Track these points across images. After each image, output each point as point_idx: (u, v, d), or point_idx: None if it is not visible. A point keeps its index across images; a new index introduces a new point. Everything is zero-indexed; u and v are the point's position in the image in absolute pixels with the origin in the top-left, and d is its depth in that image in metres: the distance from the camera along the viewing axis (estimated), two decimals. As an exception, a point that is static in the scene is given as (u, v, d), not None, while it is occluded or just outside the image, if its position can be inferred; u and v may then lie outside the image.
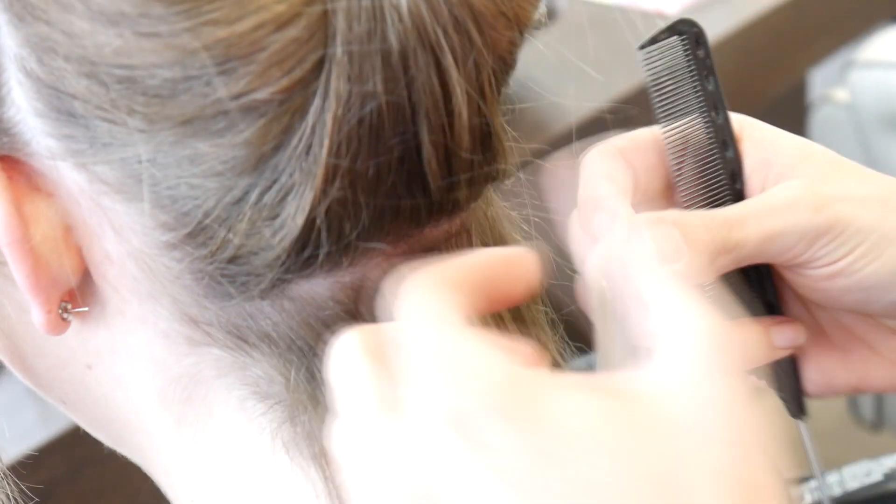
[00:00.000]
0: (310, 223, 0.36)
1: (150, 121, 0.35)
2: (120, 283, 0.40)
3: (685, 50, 0.46)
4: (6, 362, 0.46)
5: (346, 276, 0.39)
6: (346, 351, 0.33)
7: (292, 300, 0.39)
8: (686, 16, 0.46)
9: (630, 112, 1.04)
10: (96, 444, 0.66)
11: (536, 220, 0.48)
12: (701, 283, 0.41)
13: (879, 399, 1.88)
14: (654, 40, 0.47)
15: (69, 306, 0.40)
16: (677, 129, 0.48)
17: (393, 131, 0.36)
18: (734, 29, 1.33)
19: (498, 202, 0.45)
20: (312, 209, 0.36)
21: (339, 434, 0.33)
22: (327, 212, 0.36)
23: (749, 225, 0.43)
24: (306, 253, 0.37)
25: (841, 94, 1.67)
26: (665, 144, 0.48)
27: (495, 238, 0.43)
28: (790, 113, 2.20)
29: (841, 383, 0.49)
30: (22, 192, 0.38)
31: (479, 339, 0.32)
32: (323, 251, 0.37)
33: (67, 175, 0.38)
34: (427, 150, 0.36)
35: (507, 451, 0.30)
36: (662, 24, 0.47)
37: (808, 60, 1.57)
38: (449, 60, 0.35)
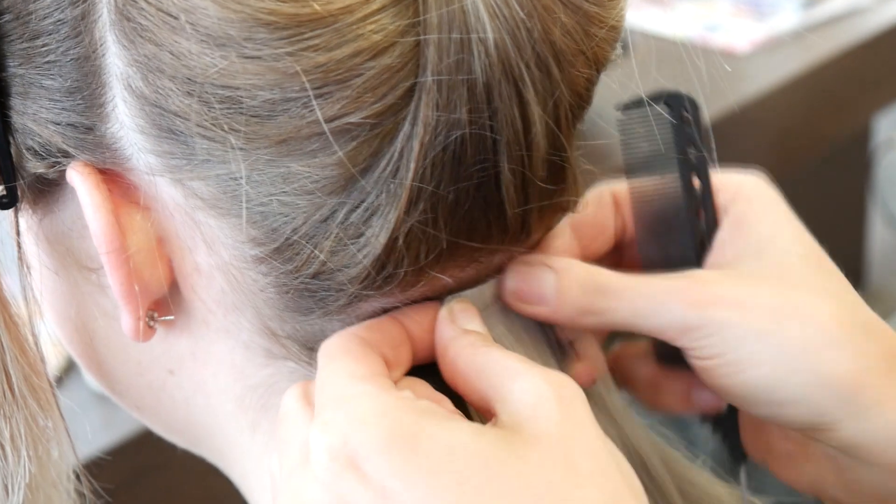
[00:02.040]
0: (392, 243, 0.37)
1: (248, 139, 0.37)
2: (207, 294, 0.41)
3: (670, 120, 0.46)
4: (84, 367, 0.47)
5: (415, 292, 0.40)
6: (287, 396, 0.39)
7: (364, 316, 0.41)
8: (755, 55, 0.47)
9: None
10: (156, 451, 0.67)
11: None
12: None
13: None
14: (634, 105, 0.46)
15: (156, 314, 0.42)
16: (643, 187, 0.47)
17: (474, 159, 0.37)
18: (804, 69, 1.33)
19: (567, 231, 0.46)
20: (395, 230, 0.37)
21: (275, 468, 0.38)
22: (409, 233, 0.37)
23: (623, 297, 0.43)
24: (386, 272, 0.38)
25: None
26: (630, 199, 0.48)
27: None
28: (855, 156, 2.18)
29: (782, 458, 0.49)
30: (120, 204, 0.40)
31: (377, 386, 0.36)
32: (402, 270, 0.38)
33: (164, 189, 0.39)
34: (505, 178, 0.38)
35: (391, 483, 0.34)
36: (647, 93, 0.47)
37: (876, 104, 1.56)
38: (530, 94, 0.37)
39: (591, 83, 0.40)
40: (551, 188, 0.39)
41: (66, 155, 0.40)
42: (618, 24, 0.39)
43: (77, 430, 0.85)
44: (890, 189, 1.71)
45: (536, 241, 0.42)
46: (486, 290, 0.42)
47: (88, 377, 0.79)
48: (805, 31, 1.44)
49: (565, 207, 0.41)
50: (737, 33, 1.43)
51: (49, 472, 0.45)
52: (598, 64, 0.39)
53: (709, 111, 1.27)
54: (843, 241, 2.35)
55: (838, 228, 2.32)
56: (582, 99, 0.40)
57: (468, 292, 0.41)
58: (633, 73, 0.47)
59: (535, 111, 0.37)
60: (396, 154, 0.36)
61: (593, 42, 0.38)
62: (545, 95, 0.37)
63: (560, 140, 0.38)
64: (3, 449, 0.43)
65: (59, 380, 0.88)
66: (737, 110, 1.24)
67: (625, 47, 0.43)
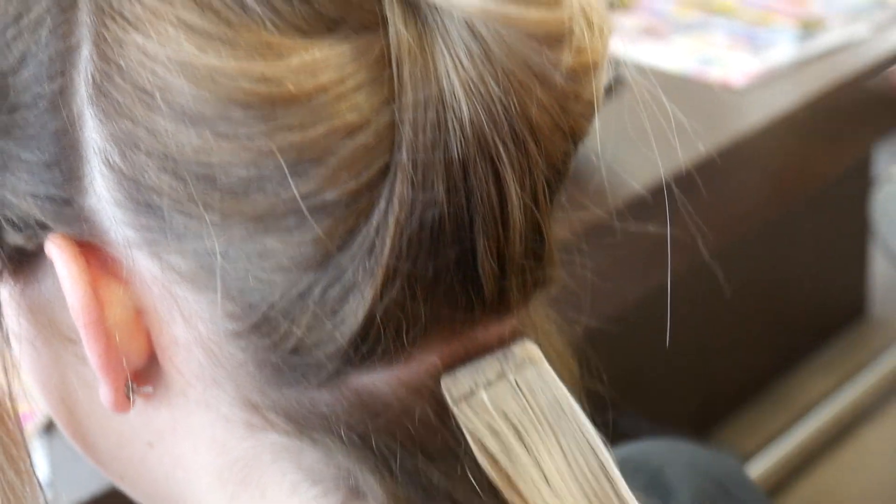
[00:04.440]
0: (370, 319, 0.37)
1: (224, 216, 0.37)
2: (185, 366, 0.41)
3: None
4: (68, 436, 0.47)
5: (401, 371, 0.40)
6: None
7: (351, 390, 0.40)
8: (751, 89, 0.46)
9: (692, 181, 1.04)
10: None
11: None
12: None
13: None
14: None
15: (135, 386, 0.42)
16: None
17: (451, 236, 0.37)
18: (800, 102, 1.33)
19: (544, 307, 0.46)
20: (373, 306, 0.37)
21: None
22: (386, 309, 0.37)
23: None
24: (365, 347, 0.38)
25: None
26: None
27: (543, 344, 0.44)
28: (854, 189, 2.18)
29: None
30: (98, 277, 0.40)
31: None
32: (381, 346, 0.38)
33: (142, 263, 0.39)
34: (482, 255, 0.38)
35: None
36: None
37: (872, 137, 1.56)
38: (507, 171, 0.37)
39: (568, 157, 0.40)
40: (529, 263, 0.39)
41: (45, 227, 0.40)
42: (594, 99, 0.39)
43: (66, 477, 0.84)
44: (887, 222, 1.71)
45: (516, 312, 0.42)
46: (484, 365, 0.41)
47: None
48: (801, 65, 1.44)
49: (543, 280, 0.41)
50: (732, 67, 1.43)
51: None
52: (575, 137, 0.39)
53: (705, 145, 1.28)
54: (844, 274, 2.35)
55: (838, 261, 2.32)
56: (559, 172, 0.40)
57: (465, 369, 0.41)
58: (627, 107, 0.47)
59: (512, 188, 0.37)
60: (372, 231, 0.37)
61: (570, 117, 0.38)
62: (522, 172, 0.37)
63: (537, 216, 0.39)
64: None
65: (49, 427, 0.88)
66: (733, 144, 1.24)
67: (620, 82, 0.43)
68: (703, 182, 0.62)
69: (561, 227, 0.42)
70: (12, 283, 0.43)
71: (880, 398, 2.26)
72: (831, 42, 1.50)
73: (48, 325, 0.43)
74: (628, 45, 0.42)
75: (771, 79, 1.40)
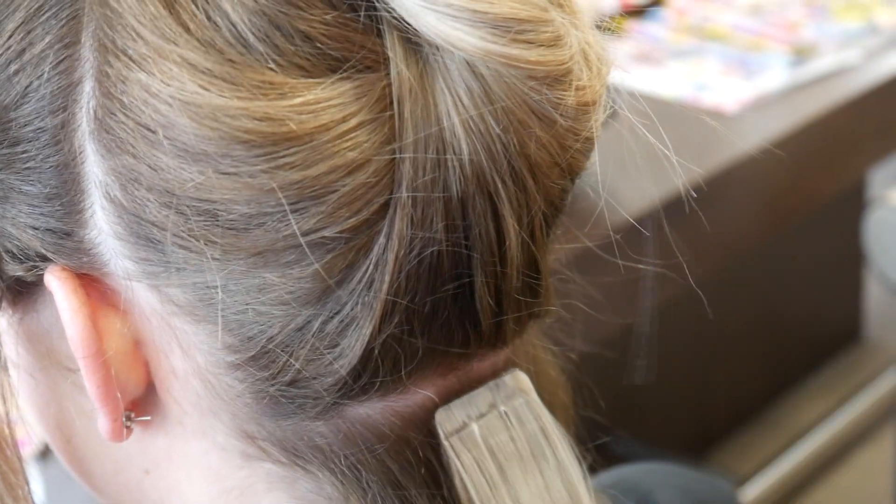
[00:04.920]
0: (368, 353, 0.38)
1: (224, 251, 0.37)
2: (182, 397, 0.41)
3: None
4: (65, 464, 0.47)
5: (398, 403, 0.41)
6: None
7: (346, 421, 0.41)
8: (744, 114, 0.47)
9: (684, 207, 1.04)
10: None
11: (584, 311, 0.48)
12: None
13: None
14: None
15: (132, 415, 0.42)
16: None
17: (449, 272, 0.38)
18: (792, 128, 1.34)
19: (538, 336, 0.46)
20: (371, 340, 0.38)
21: None
22: (384, 343, 0.38)
23: None
24: (363, 380, 0.39)
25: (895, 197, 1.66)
26: None
27: (536, 370, 0.45)
28: (847, 213, 2.19)
29: None
30: (98, 308, 0.40)
31: None
32: (378, 379, 0.39)
33: (141, 295, 0.40)
34: (480, 291, 0.38)
35: None
36: None
37: (866, 161, 1.57)
38: (506, 209, 0.37)
39: (565, 193, 0.40)
40: (525, 297, 0.40)
41: (45, 259, 0.40)
42: (592, 136, 0.40)
43: (65, 500, 0.84)
44: (880, 246, 1.71)
45: (511, 345, 0.43)
46: (477, 398, 0.42)
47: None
48: (793, 90, 1.45)
49: (539, 314, 0.42)
50: (726, 92, 1.44)
51: None
52: (572, 174, 0.40)
53: (699, 170, 1.28)
54: (839, 298, 2.36)
55: (833, 285, 2.32)
56: (556, 208, 0.40)
57: (459, 402, 0.41)
58: (622, 133, 0.47)
59: (510, 225, 0.38)
60: (371, 267, 0.37)
61: (568, 154, 0.39)
62: (520, 209, 0.38)
63: (534, 252, 0.39)
64: None
65: (44, 453, 0.88)
66: (727, 169, 1.24)
67: (614, 110, 0.43)
68: (698, 207, 0.63)
69: (555, 253, 0.42)
70: (11, 312, 0.43)
71: (875, 421, 2.26)
72: (824, 68, 1.51)
73: (46, 354, 0.43)
74: (623, 71, 0.42)
75: (764, 104, 1.41)
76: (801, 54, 1.54)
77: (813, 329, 2.30)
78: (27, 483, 0.45)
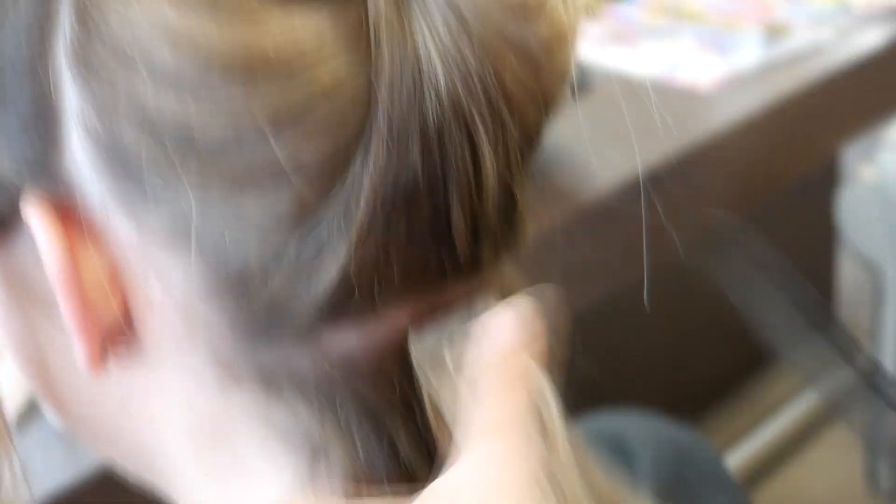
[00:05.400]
0: (344, 277, 0.38)
1: (201, 177, 0.37)
2: (159, 326, 0.42)
3: None
4: (42, 400, 0.48)
5: (372, 330, 0.41)
6: None
7: (321, 348, 0.41)
8: (718, 92, 0.47)
9: (659, 182, 1.05)
10: (119, 491, 0.66)
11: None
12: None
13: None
14: None
15: (109, 346, 0.42)
16: None
17: (425, 198, 0.38)
18: (766, 106, 1.35)
19: (511, 264, 0.46)
20: (347, 264, 0.38)
21: None
22: (360, 268, 0.38)
23: None
24: (338, 305, 0.39)
25: (869, 174, 1.67)
26: None
27: (507, 296, 0.45)
28: (820, 190, 2.20)
29: None
30: (74, 239, 0.40)
31: None
32: (354, 304, 0.39)
33: (118, 224, 0.40)
34: (455, 217, 0.39)
35: None
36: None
37: (839, 139, 1.58)
38: (481, 137, 0.38)
39: (540, 126, 0.41)
40: (501, 226, 0.40)
41: (21, 190, 0.41)
42: (566, 70, 0.40)
43: (38, 468, 0.84)
44: (853, 223, 1.73)
45: (486, 276, 0.43)
46: (450, 325, 0.42)
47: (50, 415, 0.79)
48: (767, 69, 1.46)
49: (514, 243, 0.42)
50: (700, 70, 1.44)
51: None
52: (548, 108, 0.41)
53: (674, 148, 1.29)
54: (812, 277, 2.37)
55: (806, 264, 2.34)
56: (532, 141, 0.41)
57: (431, 329, 0.42)
58: (598, 110, 0.48)
59: (486, 153, 0.38)
60: (347, 191, 0.37)
61: (544, 87, 0.39)
62: (496, 138, 0.38)
63: (509, 181, 0.40)
64: None
65: (22, 418, 0.88)
66: (701, 147, 1.25)
67: (586, 86, 0.44)
68: (672, 183, 0.63)
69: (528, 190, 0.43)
70: None
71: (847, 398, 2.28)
72: (797, 46, 1.52)
73: (23, 289, 0.44)
74: (598, 49, 0.43)
75: (738, 82, 1.41)
76: (775, 33, 1.55)
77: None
78: (6, 424, 0.45)
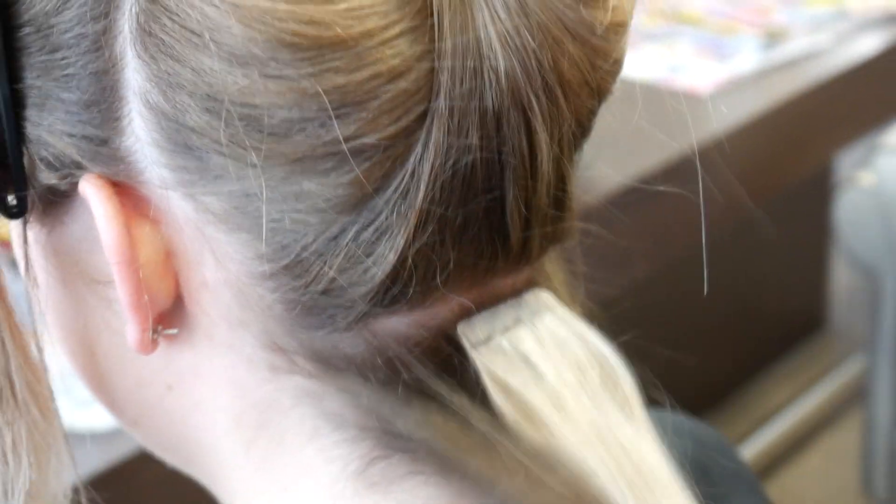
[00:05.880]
0: (401, 262, 0.38)
1: (264, 157, 0.37)
2: (212, 308, 0.41)
3: None
4: (84, 381, 0.47)
5: (424, 316, 0.41)
6: None
7: (375, 334, 0.41)
8: (717, 96, 0.47)
9: (655, 187, 1.04)
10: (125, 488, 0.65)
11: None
12: None
13: (894, 474, 1.86)
14: None
15: (160, 327, 0.42)
16: None
17: (483, 184, 0.38)
18: (763, 110, 1.35)
19: (556, 260, 0.46)
20: (405, 249, 0.38)
21: None
22: (417, 253, 0.38)
23: None
24: (394, 290, 0.39)
25: (867, 178, 1.67)
26: None
27: (556, 291, 0.45)
28: (816, 194, 2.20)
29: None
30: (131, 217, 0.40)
31: None
32: (410, 289, 0.39)
33: (175, 203, 0.40)
34: (510, 204, 0.39)
35: None
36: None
37: (835, 144, 1.58)
38: (538, 122, 0.38)
39: (592, 113, 0.41)
40: (553, 214, 0.40)
41: (80, 167, 0.40)
42: (621, 58, 0.40)
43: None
44: (850, 228, 1.72)
45: (534, 263, 0.43)
46: (500, 313, 0.42)
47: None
48: (765, 73, 1.46)
49: (564, 233, 0.42)
50: (699, 74, 1.44)
51: (49, 481, 0.45)
52: (600, 95, 0.40)
53: (673, 151, 1.28)
54: (805, 281, 2.37)
55: (800, 268, 2.34)
56: (584, 129, 0.41)
57: (480, 317, 0.41)
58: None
59: (543, 139, 0.38)
60: (408, 176, 0.37)
61: (598, 74, 0.39)
62: (552, 124, 0.38)
63: (563, 168, 0.40)
64: (5, 455, 0.43)
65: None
66: (700, 150, 1.25)
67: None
68: (668, 188, 0.63)
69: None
70: (39, 224, 0.43)
71: (841, 407, 2.28)
72: (794, 51, 1.52)
73: (74, 267, 0.43)
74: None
75: (736, 86, 1.41)
76: (773, 38, 1.55)
77: (779, 315, 2.31)
78: (51, 393, 0.45)
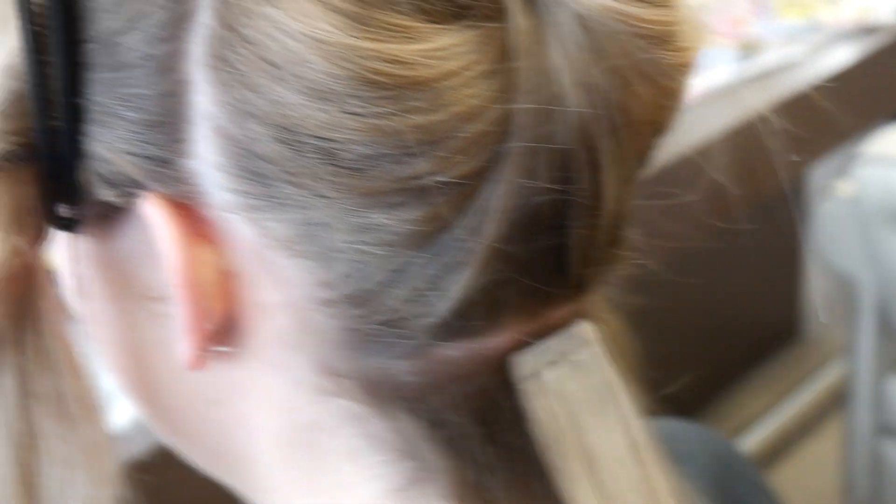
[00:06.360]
0: (465, 298, 0.38)
1: (335, 189, 0.37)
2: (266, 329, 0.41)
3: None
4: (128, 394, 0.47)
5: (481, 346, 0.41)
6: None
7: (429, 362, 0.41)
8: (692, 107, 0.48)
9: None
10: None
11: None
12: None
13: (876, 483, 1.87)
14: None
15: (213, 345, 0.42)
16: None
17: (549, 222, 0.38)
18: (738, 122, 1.35)
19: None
20: (470, 286, 0.38)
21: None
22: (482, 289, 0.38)
23: None
24: (457, 324, 0.39)
25: (845, 188, 1.68)
26: None
27: (600, 320, 0.45)
28: (787, 210, 2.21)
29: None
30: (192, 238, 0.40)
31: None
32: (472, 323, 0.39)
33: (237, 227, 0.39)
34: (573, 242, 0.39)
35: None
36: None
37: (811, 155, 1.59)
38: (606, 163, 0.38)
39: (652, 150, 0.41)
40: (609, 252, 0.40)
41: (139, 185, 0.40)
42: (683, 95, 0.40)
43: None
44: (827, 237, 1.73)
45: (587, 297, 0.43)
46: (549, 346, 0.42)
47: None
48: (740, 84, 1.46)
49: (618, 267, 0.42)
50: (673, 87, 1.45)
51: (101, 495, 0.44)
52: (662, 132, 0.41)
53: (648, 164, 1.28)
54: (781, 291, 2.38)
55: (775, 278, 2.35)
56: (643, 164, 0.41)
57: (532, 349, 0.41)
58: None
59: (609, 179, 0.38)
60: (478, 214, 0.37)
61: (663, 113, 0.39)
62: (617, 164, 0.38)
63: (623, 206, 0.40)
64: (60, 469, 0.43)
65: None
66: (676, 162, 1.25)
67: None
68: (646, 200, 0.63)
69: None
70: (90, 239, 0.43)
71: (818, 415, 2.29)
72: (769, 63, 1.52)
73: (122, 282, 0.43)
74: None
75: (710, 97, 1.42)
76: (748, 50, 1.56)
77: (754, 325, 2.32)
78: (101, 406, 0.45)
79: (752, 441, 2.22)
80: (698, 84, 1.46)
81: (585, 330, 0.42)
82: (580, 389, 0.42)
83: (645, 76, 0.38)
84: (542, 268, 0.39)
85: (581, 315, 0.43)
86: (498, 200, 0.37)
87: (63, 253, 0.44)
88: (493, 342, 0.41)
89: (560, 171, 0.37)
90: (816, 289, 2.46)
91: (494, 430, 0.41)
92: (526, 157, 0.37)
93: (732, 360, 2.30)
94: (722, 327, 2.21)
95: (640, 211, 0.55)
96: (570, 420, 0.41)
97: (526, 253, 0.38)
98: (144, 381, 0.46)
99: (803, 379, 2.36)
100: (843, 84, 1.53)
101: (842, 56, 1.56)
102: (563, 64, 0.37)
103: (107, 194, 0.41)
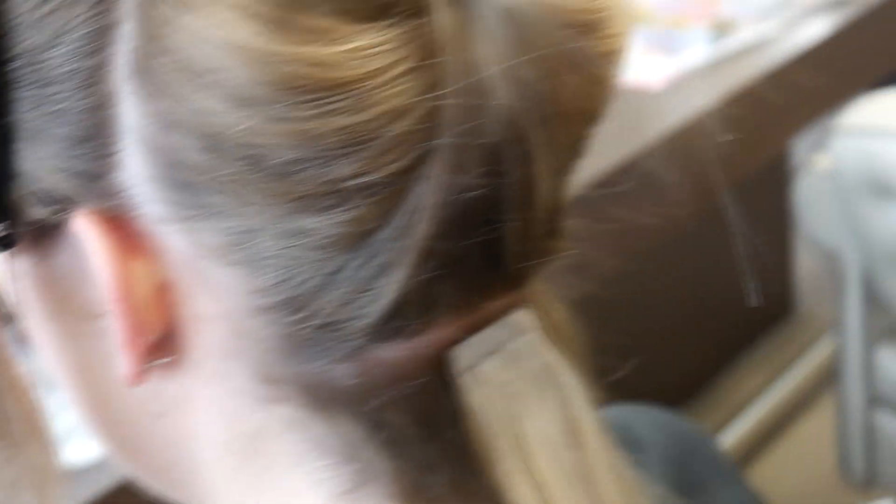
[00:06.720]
0: (400, 297, 0.38)
1: (263, 196, 0.37)
2: (204, 339, 0.41)
3: None
4: (78, 411, 0.47)
5: (419, 345, 0.41)
6: None
7: (367, 364, 0.41)
8: (669, 91, 0.48)
9: (615, 183, 1.05)
10: None
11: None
12: None
13: (870, 455, 1.87)
14: None
15: (152, 359, 0.42)
16: None
17: (482, 218, 0.38)
18: (716, 101, 1.35)
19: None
20: (404, 285, 0.38)
21: None
22: (416, 287, 0.38)
23: None
24: (393, 324, 0.39)
25: (824, 161, 1.68)
26: None
27: (542, 310, 0.45)
28: (773, 180, 2.21)
29: None
30: (125, 252, 0.40)
31: None
32: (407, 323, 0.39)
33: (170, 238, 0.39)
34: (507, 235, 0.39)
35: None
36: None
37: (791, 129, 1.59)
38: (537, 155, 0.37)
39: (586, 139, 0.41)
40: (546, 242, 0.40)
41: (71, 202, 0.40)
42: (615, 83, 0.40)
43: None
44: (809, 211, 1.74)
45: (525, 288, 0.43)
46: (487, 336, 0.42)
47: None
48: (715, 65, 1.46)
49: (554, 255, 0.42)
50: (649, 70, 1.45)
51: None
52: (595, 121, 0.40)
53: (629, 148, 1.29)
54: (769, 268, 2.38)
55: (763, 255, 2.35)
56: (577, 155, 0.41)
57: (470, 341, 0.41)
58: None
59: (542, 171, 0.38)
60: (408, 213, 0.37)
61: (594, 101, 0.39)
62: (549, 156, 0.38)
63: (558, 197, 0.40)
64: (6, 491, 0.43)
65: None
66: (656, 145, 1.25)
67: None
68: (627, 183, 0.63)
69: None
70: (26, 258, 0.43)
71: (813, 391, 2.29)
72: (743, 41, 1.52)
73: (61, 299, 0.43)
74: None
75: (687, 78, 1.42)
76: (721, 29, 1.56)
77: (746, 304, 2.32)
78: (47, 427, 0.45)
79: (750, 420, 2.22)
80: (674, 66, 1.46)
81: (522, 318, 0.42)
82: (517, 378, 0.42)
83: (573, 65, 0.38)
84: (477, 263, 0.39)
85: (520, 305, 0.42)
86: (428, 198, 0.37)
87: (2, 271, 0.44)
88: (430, 339, 0.41)
89: (491, 165, 0.37)
90: (805, 265, 2.46)
91: (436, 429, 0.41)
92: (455, 153, 0.36)
93: (726, 341, 2.30)
94: (713, 309, 2.21)
95: (622, 196, 0.54)
96: (506, 410, 0.41)
97: (459, 249, 0.38)
98: (92, 398, 0.45)
99: (796, 356, 2.37)
100: (819, 58, 1.53)
101: (816, 30, 1.56)
102: (490, 57, 0.36)
103: (40, 213, 0.40)
